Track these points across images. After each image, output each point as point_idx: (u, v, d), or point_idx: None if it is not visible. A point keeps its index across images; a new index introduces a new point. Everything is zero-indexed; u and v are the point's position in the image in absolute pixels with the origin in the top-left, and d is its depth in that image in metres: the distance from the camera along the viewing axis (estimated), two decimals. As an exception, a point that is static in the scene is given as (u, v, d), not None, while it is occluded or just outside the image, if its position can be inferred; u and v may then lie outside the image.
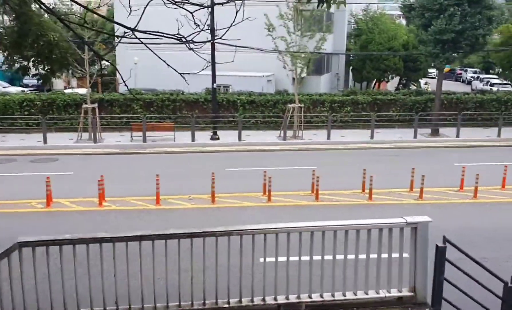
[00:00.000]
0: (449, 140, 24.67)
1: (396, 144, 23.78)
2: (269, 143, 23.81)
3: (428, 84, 48.03)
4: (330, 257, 6.14)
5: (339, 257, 6.11)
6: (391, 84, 43.41)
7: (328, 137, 24.20)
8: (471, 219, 13.19)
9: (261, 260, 5.88)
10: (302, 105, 24.96)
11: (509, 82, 43.57)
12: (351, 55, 39.44)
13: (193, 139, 23.81)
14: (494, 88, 38.23)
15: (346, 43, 40.63)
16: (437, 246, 6.75)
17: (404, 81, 40.79)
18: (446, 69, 65.88)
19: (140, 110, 26.55)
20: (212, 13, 22.09)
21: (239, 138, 24.10)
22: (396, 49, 35.54)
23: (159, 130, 24.35)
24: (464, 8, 23.36)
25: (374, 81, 39.64)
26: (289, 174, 18.06)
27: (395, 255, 6.24)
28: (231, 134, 25.08)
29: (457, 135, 24.93)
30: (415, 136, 24.74)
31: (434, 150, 23.03)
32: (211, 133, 24.69)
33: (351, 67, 40.43)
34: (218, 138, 24.41)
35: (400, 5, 28.03)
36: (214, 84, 24.50)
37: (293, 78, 27.93)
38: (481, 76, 54.44)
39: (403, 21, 50.85)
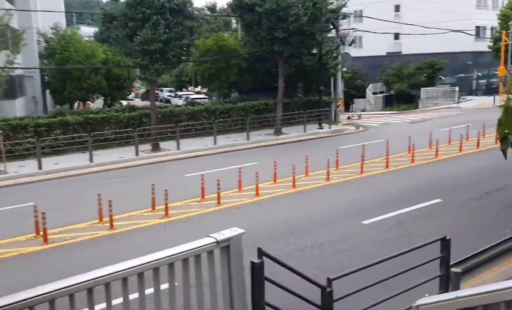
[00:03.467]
0: (171, 154, 23.93)
1: (118, 165, 21.69)
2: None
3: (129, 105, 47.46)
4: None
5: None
6: (97, 105, 40.99)
7: (40, 167, 20.35)
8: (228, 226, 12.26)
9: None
10: (1, 132, 20.42)
11: (206, 96, 46.84)
12: (46, 77, 35.45)
13: None
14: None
15: (39, 64, 36.34)
16: (252, 262, 5.30)
17: (109, 101, 38.90)
18: (143, 90, 67.62)
19: None
20: None
21: None
22: (97, 67, 33.51)
23: None
24: (167, 17, 22.95)
25: (77, 103, 36.56)
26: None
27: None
28: None
29: (178, 148, 24.38)
30: (136, 154, 23.10)
31: (160, 165, 21.86)
32: None
33: (48, 90, 36.37)
34: None
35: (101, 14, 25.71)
36: None
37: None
38: (179, 93, 57.16)
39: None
